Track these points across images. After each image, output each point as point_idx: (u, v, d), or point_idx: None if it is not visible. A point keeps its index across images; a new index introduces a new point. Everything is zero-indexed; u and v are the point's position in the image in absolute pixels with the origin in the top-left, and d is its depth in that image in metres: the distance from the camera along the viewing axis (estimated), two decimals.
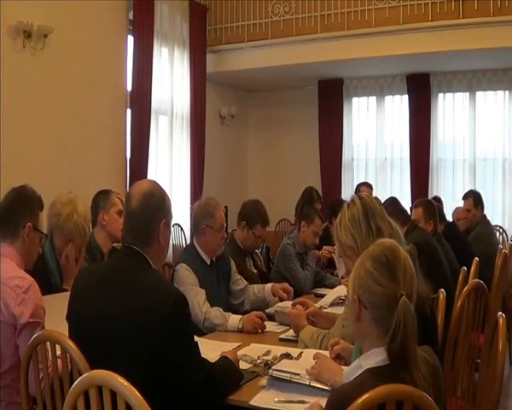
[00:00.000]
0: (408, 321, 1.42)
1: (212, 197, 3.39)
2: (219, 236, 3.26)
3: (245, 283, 3.46)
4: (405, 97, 8.10)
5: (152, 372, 1.77)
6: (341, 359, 2.18)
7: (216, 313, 3.00)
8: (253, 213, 3.82)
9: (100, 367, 1.48)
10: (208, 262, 3.28)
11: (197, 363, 1.90)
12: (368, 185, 6.23)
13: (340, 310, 2.94)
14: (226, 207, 4.87)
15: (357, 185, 6.32)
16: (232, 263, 3.48)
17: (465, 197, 5.62)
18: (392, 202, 4.01)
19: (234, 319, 2.97)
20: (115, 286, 1.88)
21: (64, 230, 2.70)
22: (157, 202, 1.99)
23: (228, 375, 2.06)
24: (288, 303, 3.22)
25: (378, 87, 8.38)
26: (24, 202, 2.30)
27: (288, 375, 2.03)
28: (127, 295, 1.85)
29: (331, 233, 2.32)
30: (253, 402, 1.95)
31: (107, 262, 2.68)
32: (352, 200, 2.19)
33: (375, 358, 1.47)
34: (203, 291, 3.08)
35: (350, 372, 1.54)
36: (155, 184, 2.06)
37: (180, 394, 1.84)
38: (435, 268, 3.47)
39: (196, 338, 1.99)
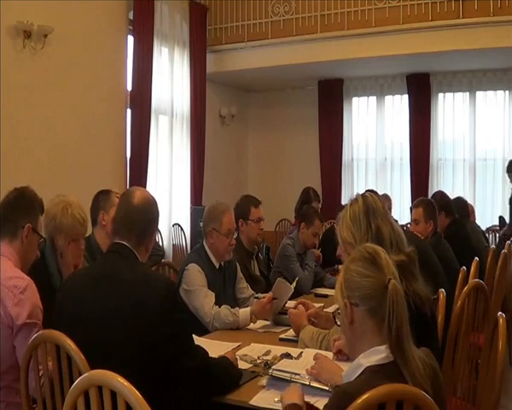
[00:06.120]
0: (399, 302, 1.45)
1: (222, 202, 3.37)
2: (227, 241, 3.23)
3: (250, 292, 3.44)
4: (405, 97, 8.11)
5: (149, 365, 1.78)
6: (343, 354, 2.18)
7: (226, 312, 3.01)
8: (243, 205, 3.83)
9: (96, 366, 1.49)
10: (217, 266, 3.28)
11: (191, 349, 1.91)
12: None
13: None
14: None
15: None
16: (238, 268, 3.48)
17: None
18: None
19: (245, 315, 3.00)
20: (107, 284, 1.88)
21: (63, 227, 2.62)
22: (155, 210, 2.06)
23: (223, 367, 2.07)
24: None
25: (378, 87, 8.39)
26: (25, 202, 2.29)
27: (288, 375, 2.03)
28: (119, 291, 1.85)
29: (335, 234, 2.31)
30: (253, 402, 1.95)
31: (97, 261, 2.64)
32: (356, 198, 2.19)
33: (375, 356, 1.46)
34: (213, 294, 3.09)
35: (350, 372, 1.53)
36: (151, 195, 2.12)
37: (176, 383, 1.85)
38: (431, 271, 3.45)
39: (196, 339, 1.99)
